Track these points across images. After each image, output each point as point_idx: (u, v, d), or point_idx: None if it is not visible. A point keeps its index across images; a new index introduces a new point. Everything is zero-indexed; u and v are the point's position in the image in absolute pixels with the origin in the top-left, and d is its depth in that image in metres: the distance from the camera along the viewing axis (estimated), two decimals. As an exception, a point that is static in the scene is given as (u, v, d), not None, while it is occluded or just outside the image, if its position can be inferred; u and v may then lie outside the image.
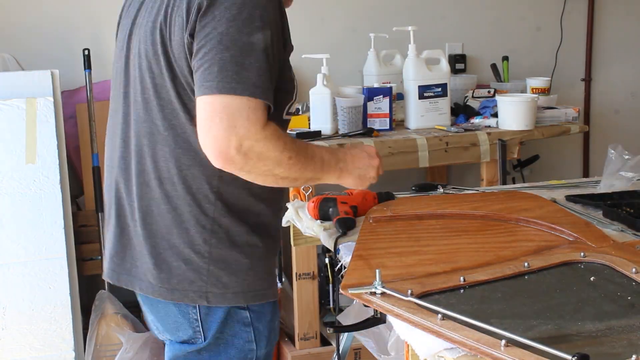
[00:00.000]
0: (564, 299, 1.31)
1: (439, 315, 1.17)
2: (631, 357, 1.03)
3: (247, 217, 1.49)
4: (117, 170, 1.55)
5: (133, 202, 1.51)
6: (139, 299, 1.61)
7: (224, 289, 1.47)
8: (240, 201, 1.48)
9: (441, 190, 2.15)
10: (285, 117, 1.52)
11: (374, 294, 1.30)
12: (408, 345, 1.29)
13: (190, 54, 1.37)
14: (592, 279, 1.37)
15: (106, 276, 1.61)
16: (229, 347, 1.52)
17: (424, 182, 2.43)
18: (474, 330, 1.13)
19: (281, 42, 1.43)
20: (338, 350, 2.11)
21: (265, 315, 1.54)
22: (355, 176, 1.57)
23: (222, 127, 1.31)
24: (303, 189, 2.72)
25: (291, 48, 1.50)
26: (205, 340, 1.51)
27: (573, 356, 1.00)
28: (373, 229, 1.66)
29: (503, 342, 1.07)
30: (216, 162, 1.34)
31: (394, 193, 2.03)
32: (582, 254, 1.46)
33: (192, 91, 1.39)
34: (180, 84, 1.42)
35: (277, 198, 1.57)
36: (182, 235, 1.46)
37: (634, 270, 1.36)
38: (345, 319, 2.53)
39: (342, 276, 1.46)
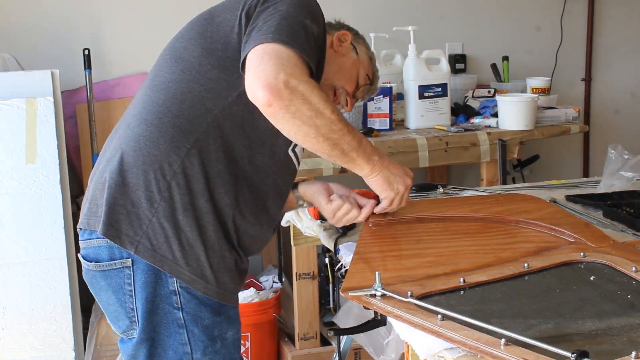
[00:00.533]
0: (563, 298, 1.31)
1: (439, 316, 1.17)
2: (631, 353, 1.03)
3: (208, 193, 1.45)
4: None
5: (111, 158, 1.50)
6: (87, 283, 1.56)
7: (156, 248, 1.43)
8: (206, 177, 1.45)
9: (441, 190, 2.15)
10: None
11: (374, 296, 1.30)
12: (408, 346, 1.29)
13: (240, 30, 1.46)
14: (592, 278, 1.37)
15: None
16: (167, 348, 1.48)
17: (424, 182, 2.42)
18: (473, 329, 1.13)
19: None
20: (339, 350, 2.11)
21: (202, 319, 1.48)
22: (385, 177, 1.56)
23: (272, 63, 1.34)
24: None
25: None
26: (139, 329, 1.47)
27: (572, 353, 1.00)
28: (373, 232, 1.66)
29: (503, 341, 1.07)
30: (263, 97, 1.33)
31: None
32: (582, 254, 1.46)
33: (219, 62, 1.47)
34: (206, 54, 1.49)
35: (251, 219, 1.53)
36: (139, 176, 1.44)
37: (634, 269, 1.36)
38: (342, 318, 2.53)
39: (342, 275, 1.47)
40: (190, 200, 1.44)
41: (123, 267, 1.45)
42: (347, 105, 1.73)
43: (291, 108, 1.34)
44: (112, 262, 1.46)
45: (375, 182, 1.57)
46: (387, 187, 1.58)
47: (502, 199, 1.90)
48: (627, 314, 1.22)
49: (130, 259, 1.44)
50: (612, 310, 1.24)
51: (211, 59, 1.48)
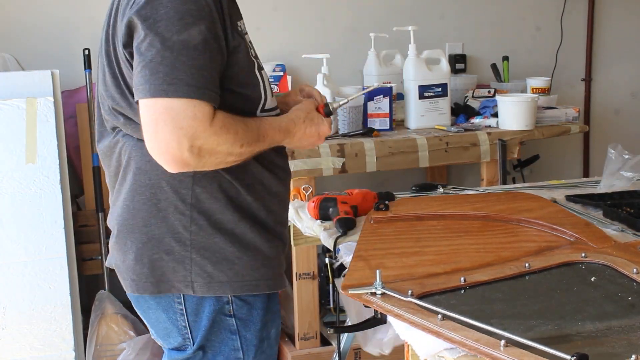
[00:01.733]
0: (564, 299, 1.31)
1: (439, 316, 1.17)
2: (631, 357, 1.03)
3: (230, 204, 1.45)
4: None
5: (115, 201, 1.52)
6: (132, 302, 1.59)
7: (209, 279, 1.43)
8: (220, 190, 1.45)
9: (441, 190, 2.15)
10: (260, 114, 1.48)
11: (374, 294, 1.30)
12: (408, 345, 1.29)
13: (130, 64, 1.37)
14: (592, 279, 1.37)
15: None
16: (217, 354, 1.50)
17: (424, 182, 2.42)
18: (473, 330, 1.13)
19: (223, 34, 1.38)
20: (339, 350, 2.11)
21: (254, 324, 1.50)
22: (297, 145, 1.54)
23: (169, 131, 1.28)
24: (303, 189, 2.72)
25: (243, 45, 1.44)
26: (193, 345, 1.49)
27: (572, 356, 1.00)
28: (374, 229, 1.66)
29: (503, 342, 1.07)
30: (170, 167, 1.32)
31: (394, 193, 2.03)
32: (583, 254, 1.46)
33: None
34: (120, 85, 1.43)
35: (267, 187, 1.52)
36: (160, 225, 1.43)
37: (635, 270, 1.36)
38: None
39: (343, 275, 1.47)
40: (218, 220, 1.44)
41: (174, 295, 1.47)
42: None
43: (200, 166, 1.34)
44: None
45: (293, 145, 1.55)
46: (302, 140, 1.53)
47: (503, 197, 1.90)
48: (628, 316, 1.23)
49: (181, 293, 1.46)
50: (613, 312, 1.24)
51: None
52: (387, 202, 1.69)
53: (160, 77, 1.28)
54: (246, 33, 1.51)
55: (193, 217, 1.43)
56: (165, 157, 1.30)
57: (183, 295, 1.46)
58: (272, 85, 1.61)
